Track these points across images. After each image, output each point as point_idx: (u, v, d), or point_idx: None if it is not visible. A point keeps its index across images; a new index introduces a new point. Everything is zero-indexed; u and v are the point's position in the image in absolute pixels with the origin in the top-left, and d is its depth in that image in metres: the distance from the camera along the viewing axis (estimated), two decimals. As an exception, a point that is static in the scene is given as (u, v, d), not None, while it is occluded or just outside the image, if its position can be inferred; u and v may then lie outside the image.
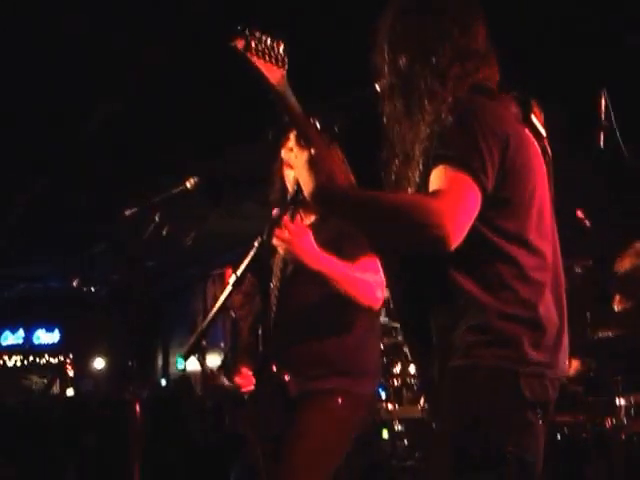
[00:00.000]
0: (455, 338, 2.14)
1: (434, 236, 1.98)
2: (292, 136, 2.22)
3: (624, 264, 4.98)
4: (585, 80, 4.67)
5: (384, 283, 3.27)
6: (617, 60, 5.45)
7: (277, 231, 3.07)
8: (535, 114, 2.33)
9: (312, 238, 3.17)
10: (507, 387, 2.09)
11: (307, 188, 2.14)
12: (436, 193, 2.04)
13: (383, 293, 3.28)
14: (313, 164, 2.13)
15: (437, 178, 2.07)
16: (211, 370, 5.23)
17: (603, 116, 3.92)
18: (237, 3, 5.27)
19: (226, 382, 4.83)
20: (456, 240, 2.01)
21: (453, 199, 2.02)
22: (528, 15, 5.31)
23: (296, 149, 2.20)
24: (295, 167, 2.21)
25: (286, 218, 3.10)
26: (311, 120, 2.28)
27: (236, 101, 6.29)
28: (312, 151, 2.15)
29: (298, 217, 3.20)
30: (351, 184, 2.55)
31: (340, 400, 3.30)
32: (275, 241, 3.11)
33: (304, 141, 2.18)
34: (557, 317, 2.19)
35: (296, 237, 3.12)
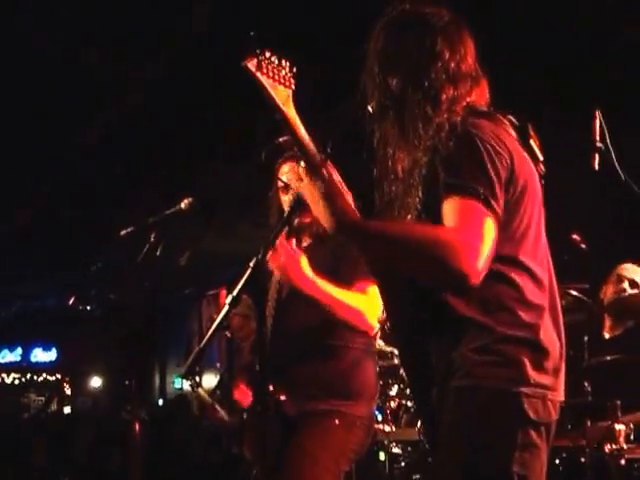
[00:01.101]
0: (456, 359, 2.13)
1: (456, 271, 1.98)
2: (302, 168, 2.22)
3: (607, 292, 4.99)
4: (579, 101, 4.68)
5: (380, 308, 3.26)
6: (612, 79, 5.49)
7: (271, 256, 3.07)
8: (532, 138, 2.34)
9: (306, 263, 3.17)
10: (511, 408, 2.08)
11: (326, 221, 2.14)
12: (455, 226, 2.02)
13: (378, 319, 3.28)
14: (328, 196, 2.13)
15: (452, 210, 2.05)
16: (211, 404, 5.21)
17: (598, 137, 3.92)
18: (235, 20, 5.31)
19: (225, 417, 4.82)
20: (479, 275, 2.00)
21: (474, 233, 2.01)
22: (519, 36, 5.34)
23: (308, 182, 2.19)
24: (310, 201, 2.20)
25: (281, 242, 3.10)
26: (315, 141, 2.29)
27: (232, 121, 6.31)
28: (323, 182, 2.14)
29: (293, 241, 3.20)
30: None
31: (337, 421, 3.29)
32: (270, 264, 3.11)
33: (312, 170, 2.18)
34: (557, 340, 2.19)
35: (290, 262, 3.13)
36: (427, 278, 2.13)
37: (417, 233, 2.07)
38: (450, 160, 2.10)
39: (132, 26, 5.61)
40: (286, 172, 3.43)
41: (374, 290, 3.27)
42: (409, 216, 2.22)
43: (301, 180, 2.22)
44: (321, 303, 3.19)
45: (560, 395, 2.18)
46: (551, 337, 2.17)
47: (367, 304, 3.26)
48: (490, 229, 2.04)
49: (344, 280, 3.28)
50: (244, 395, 3.49)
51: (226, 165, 7.76)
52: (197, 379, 2.84)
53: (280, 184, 3.46)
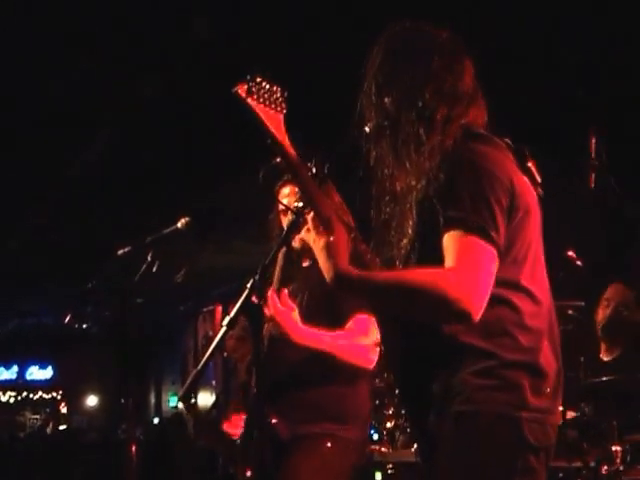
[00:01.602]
0: (455, 383, 2.12)
1: (458, 312, 1.98)
2: (310, 219, 2.22)
3: (599, 316, 4.99)
4: (575, 120, 4.70)
5: (377, 341, 3.26)
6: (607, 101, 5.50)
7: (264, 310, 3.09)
8: (529, 160, 2.34)
9: (298, 316, 3.17)
10: (511, 433, 2.08)
11: (327, 274, 2.14)
12: (454, 265, 2.02)
13: (376, 354, 3.28)
14: (331, 250, 2.14)
15: (453, 246, 2.05)
16: (206, 417, 5.21)
17: (593, 155, 3.94)
18: (229, 41, 5.33)
19: (218, 438, 4.79)
20: (479, 311, 2.00)
21: (472, 270, 2.01)
22: (516, 56, 5.36)
23: (314, 233, 2.20)
24: (315, 250, 2.21)
25: (271, 298, 3.11)
26: (306, 164, 2.29)
27: (227, 138, 6.32)
28: (330, 237, 2.15)
29: (284, 292, 3.21)
30: (365, 258, 2.55)
31: (329, 444, 3.28)
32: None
33: (323, 224, 2.18)
34: (555, 363, 2.19)
35: (281, 316, 3.14)
36: (428, 320, 2.14)
37: (417, 279, 2.06)
38: (449, 189, 2.09)
39: (131, 43, 5.63)
40: (287, 194, 3.43)
41: (372, 322, 3.27)
42: (404, 239, 2.22)
43: (309, 231, 2.23)
44: (317, 351, 3.20)
45: (558, 418, 2.19)
46: (550, 361, 2.16)
47: (364, 340, 3.27)
48: (490, 265, 2.04)
49: (342, 304, 3.28)
50: (234, 426, 3.48)
51: (222, 182, 7.76)
52: (193, 401, 2.83)
53: (281, 207, 3.46)
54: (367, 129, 2.33)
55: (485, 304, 2.01)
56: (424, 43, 2.32)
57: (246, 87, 2.18)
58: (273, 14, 5.20)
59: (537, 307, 2.16)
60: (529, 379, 2.09)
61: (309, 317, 3.26)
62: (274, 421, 3.28)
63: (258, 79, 2.20)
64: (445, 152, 2.16)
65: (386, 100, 2.29)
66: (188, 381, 2.44)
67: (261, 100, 2.19)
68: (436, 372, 2.18)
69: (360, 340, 3.25)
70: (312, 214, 2.23)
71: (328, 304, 3.30)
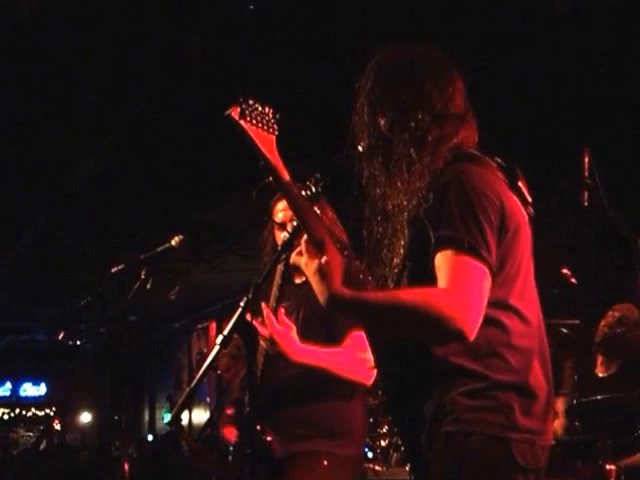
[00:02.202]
0: (445, 403, 2.13)
1: (453, 331, 1.99)
2: (303, 242, 2.22)
3: (600, 324, 4.99)
4: (568, 138, 4.72)
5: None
6: (600, 118, 5.53)
7: (260, 328, 3.09)
8: (519, 180, 2.35)
9: (295, 334, 3.17)
10: (500, 454, 2.08)
11: (321, 296, 2.14)
12: (446, 285, 2.03)
13: (374, 370, 3.27)
14: (323, 273, 2.13)
15: (444, 265, 2.06)
16: (193, 440, 5.18)
17: (587, 173, 3.94)
18: (222, 63, 5.34)
19: (206, 454, 4.77)
20: (473, 330, 2.01)
21: (466, 290, 2.01)
22: (508, 77, 5.38)
23: (306, 257, 2.20)
24: (307, 274, 2.20)
25: (268, 315, 3.11)
26: (299, 185, 2.30)
27: (220, 156, 6.32)
28: (323, 259, 2.14)
29: (281, 311, 3.21)
30: (355, 268, 2.56)
31: (325, 462, 3.26)
32: (259, 336, 3.12)
33: (316, 246, 2.17)
34: (545, 384, 2.19)
35: (278, 335, 3.14)
36: (423, 340, 2.15)
37: (411, 299, 2.06)
38: (440, 209, 2.11)
39: (127, 60, 5.64)
40: (281, 209, 3.44)
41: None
42: (395, 259, 2.23)
43: (301, 254, 2.23)
44: (314, 369, 3.20)
45: (549, 439, 2.18)
46: (540, 381, 2.16)
47: (362, 356, 3.26)
48: (483, 284, 2.05)
49: (339, 321, 3.28)
50: (231, 432, 3.47)
51: (218, 199, 7.77)
52: (182, 424, 2.83)
53: (276, 221, 3.46)
54: (360, 148, 2.35)
55: (479, 323, 2.01)
56: (416, 63, 2.34)
57: (239, 110, 2.20)
58: (266, 35, 5.22)
59: (527, 326, 2.17)
60: (519, 400, 2.10)
61: (306, 334, 3.26)
62: (269, 439, 3.27)
63: (251, 101, 2.22)
64: (435, 172, 2.17)
65: (379, 120, 2.31)
66: (179, 402, 2.45)
67: (254, 122, 2.22)
68: (427, 392, 2.18)
69: (358, 356, 3.25)
70: (304, 237, 2.23)
71: (325, 321, 3.30)
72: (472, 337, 2.00)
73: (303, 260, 2.20)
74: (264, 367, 3.32)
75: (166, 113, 6.20)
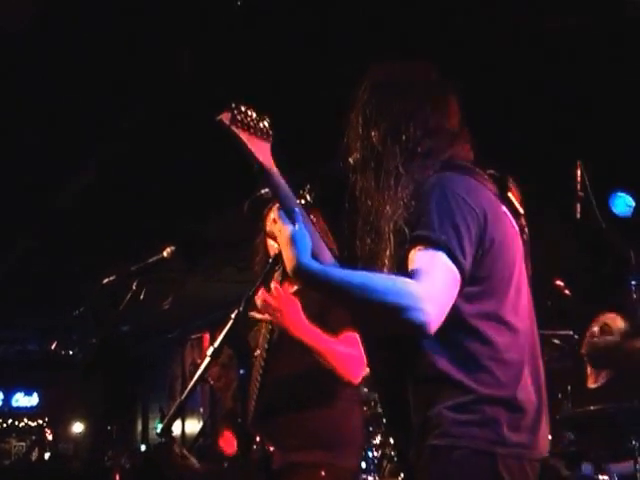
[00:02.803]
0: (432, 417, 2.12)
1: (414, 320, 1.98)
2: (276, 210, 2.22)
3: (584, 344, 4.99)
4: (561, 151, 4.73)
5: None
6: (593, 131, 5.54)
7: (266, 296, 3.09)
8: (512, 192, 2.35)
9: (300, 308, 3.17)
10: (485, 468, 2.07)
11: (288, 264, 2.14)
12: (415, 276, 2.03)
13: (362, 369, 3.27)
14: (295, 240, 2.13)
15: (415, 259, 2.06)
16: (181, 451, 5.15)
17: (579, 187, 3.96)
18: (215, 73, 5.34)
19: (196, 464, 4.76)
20: (436, 324, 2.00)
21: (432, 282, 2.01)
22: (503, 89, 5.40)
23: (279, 224, 2.20)
24: (279, 242, 2.20)
25: (276, 288, 3.11)
26: (294, 193, 2.30)
27: (216, 166, 6.32)
28: (296, 227, 2.15)
29: (287, 285, 3.21)
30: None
31: (324, 473, 3.27)
32: (263, 307, 3.11)
33: (288, 216, 2.18)
34: (535, 396, 2.18)
35: (285, 306, 3.13)
36: (385, 326, 2.14)
37: (378, 281, 2.07)
38: (421, 213, 2.12)
39: (116, 74, 5.64)
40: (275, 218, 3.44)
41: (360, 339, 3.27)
42: (383, 269, 2.23)
43: (275, 222, 2.23)
44: (311, 349, 3.19)
45: (539, 452, 2.17)
46: (529, 394, 2.16)
47: (355, 353, 3.26)
48: (451, 282, 2.05)
49: (331, 327, 3.27)
50: (229, 443, 3.46)
51: (212, 210, 7.76)
52: (173, 435, 2.82)
53: (268, 230, 3.46)
54: (352, 160, 2.36)
55: (442, 321, 2.01)
56: (411, 79, 2.36)
57: (230, 115, 2.18)
58: (257, 47, 5.23)
59: (517, 339, 2.16)
60: (506, 414, 2.09)
61: (297, 343, 3.26)
62: (271, 449, 3.26)
63: (243, 107, 2.21)
64: (422, 182, 2.18)
65: (372, 133, 2.32)
66: (170, 413, 2.43)
67: (246, 128, 2.21)
68: (415, 405, 2.18)
69: (351, 351, 3.25)
70: (277, 205, 2.23)
71: (317, 326, 3.30)
72: (433, 331, 1.99)
73: (277, 227, 2.21)
74: (263, 376, 3.32)
75: (159, 125, 6.20)
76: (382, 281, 2.06)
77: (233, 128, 2.19)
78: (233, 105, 2.20)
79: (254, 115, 2.23)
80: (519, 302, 2.20)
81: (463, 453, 2.07)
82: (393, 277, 2.08)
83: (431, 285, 2.00)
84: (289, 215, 2.19)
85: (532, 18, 5.00)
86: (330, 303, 3.21)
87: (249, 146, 2.21)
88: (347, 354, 3.23)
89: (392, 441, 4.03)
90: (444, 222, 2.08)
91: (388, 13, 4.81)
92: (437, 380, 2.12)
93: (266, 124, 2.25)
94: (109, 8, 5.03)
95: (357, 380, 3.29)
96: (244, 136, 2.21)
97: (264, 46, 5.21)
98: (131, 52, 5.36)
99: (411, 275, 2.04)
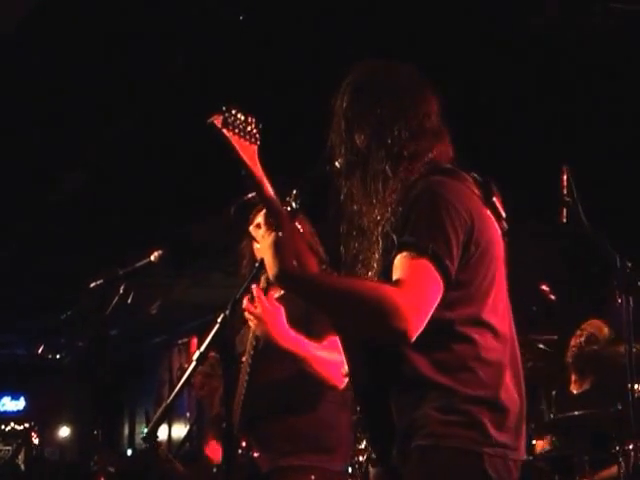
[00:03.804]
0: (418, 418, 2.13)
1: (394, 328, 1.99)
2: (261, 215, 2.24)
3: (571, 343, 5.02)
4: (547, 156, 4.75)
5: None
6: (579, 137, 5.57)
7: (249, 306, 3.09)
8: (494, 195, 2.36)
9: (284, 316, 3.18)
10: (472, 467, 2.08)
11: (270, 270, 2.14)
12: (398, 283, 2.04)
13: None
14: (278, 246, 2.13)
15: (400, 266, 2.07)
16: (166, 456, 5.14)
17: (565, 192, 3.97)
18: (206, 77, 5.35)
19: (180, 468, 4.75)
20: (415, 332, 2.01)
21: (415, 290, 2.02)
22: (487, 93, 5.42)
23: (263, 229, 2.20)
24: (261, 247, 2.21)
25: (259, 294, 3.11)
26: (280, 198, 2.31)
27: (204, 171, 6.32)
28: (279, 233, 2.15)
29: (271, 293, 3.21)
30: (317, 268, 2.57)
31: (313, 477, 3.26)
32: (247, 315, 3.12)
33: (273, 221, 2.19)
34: (518, 398, 2.20)
35: (268, 314, 3.14)
36: (365, 332, 2.15)
37: (360, 288, 2.08)
38: (408, 217, 2.13)
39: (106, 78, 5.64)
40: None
41: None
42: (370, 273, 2.24)
43: (259, 227, 2.24)
44: (295, 356, 3.20)
45: (521, 454, 2.19)
46: (512, 395, 2.18)
47: (339, 358, 3.26)
48: (434, 289, 2.06)
49: (314, 333, 3.28)
50: (215, 451, 3.46)
51: (201, 214, 7.76)
52: (158, 440, 2.82)
53: (253, 235, 3.46)
54: (337, 165, 2.36)
55: (422, 328, 2.02)
56: (391, 81, 2.36)
57: (222, 118, 2.19)
58: (250, 49, 5.24)
59: (498, 341, 2.18)
60: (490, 415, 2.11)
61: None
62: (256, 455, 3.26)
63: (233, 110, 2.21)
64: (409, 185, 2.19)
65: (355, 137, 2.33)
66: (155, 418, 2.43)
67: (236, 131, 2.20)
68: (399, 407, 2.19)
69: (335, 356, 3.26)
70: (264, 210, 2.24)
71: (301, 330, 3.30)
72: (413, 338, 2.01)
73: (261, 232, 2.21)
74: (250, 381, 3.32)
75: (147, 128, 6.20)
76: (364, 288, 2.08)
77: (225, 131, 2.19)
78: (224, 108, 2.20)
79: (243, 118, 2.23)
80: (500, 305, 2.22)
81: (450, 452, 2.08)
82: (376, 284, 2.10)
83: (413, 293, 2.01)
84: (274, 220, 2.19)
85: (518, 23, 5.03)
86: (314, 308, 3.23)
87: (239, 150, 2.21)
88: (331, 360, 3.24)
89: (370, 446, 4.03)
90: (432, 227, 2.09)
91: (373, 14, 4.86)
92: (421, 383, 2.13)
93: (254, 127, 2.25)
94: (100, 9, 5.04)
95: (342, 385, 3.29)
96: (234, 140, 2.20)
97: (258, 47, 5.22)
98: (127, 54, 5.36)
99: (395, 282, 2.05)
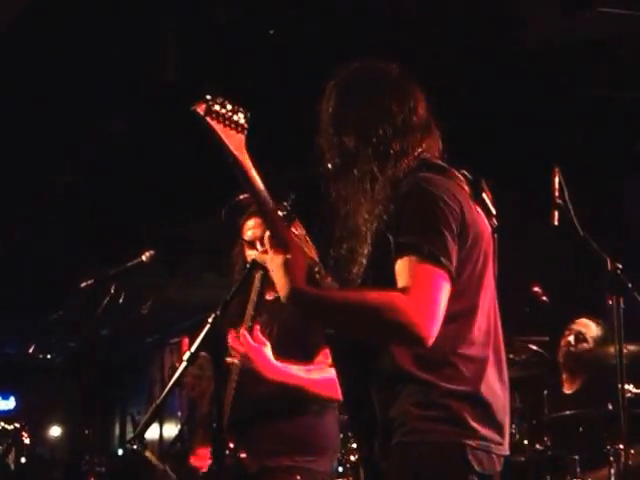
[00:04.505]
0: (398, 414, 2.15)
1: (411, 338, 2.01)
2: (267, 238, 2.23)
3: (561, 342, 5.02)
4: (538, 157, 4.76)
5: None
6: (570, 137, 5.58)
7: (235, 344, 3.10)
8: (484, 192, 2.37)
9: (269, 350, 3.19)
10: (456, 459, 2.10)
11: (282, 291, 2.16)
12: (406, 291, 2.04)
13: None
14: (287, 267, 2.15)
15: (406, 272, 2.07)
16: (152, 458, 5.15)
17: (557, 193, 3.98)
18: (199, 76, 5.34)
19: (169, 473, 4.74)
20: (432, 336, 2.03)
21: (423, 295, 2.03)
22: (478, 93, 5.43)
23: (271, 252, 2.21)
24: (270, 269, 2.22)
25: (242, 335, 3.12)
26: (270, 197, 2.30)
27: (197, 170, 6.32)
28: (287, 254, 2.16)
29: (256, 327, 3.21)
30: (324, 282, 2.57)
31: (298, 477, 3.27)
32: (232, 352, 3.14)
33: (278, 242, 2.19)
34: (502, 394, 2.22)
35: (253, 352, 3.15)
36: (383, 343, 2.17)
37: (373, 302, 2.08)
38: (402, 216, 2.13)
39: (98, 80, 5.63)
40: (251, 227, 3.44)
41: None
42: (354, 269, 2.25)
43: (266, 252, 2.24)
44: (288, 387, 3.22)
45: (504, 449, 2.20)
46: (494, 391, 2.19)
47: (330, 374, 3.26)
48: (443, 290, 2.07)
49: (313, 336, 3.29)
50: (202, 459, 3.46)
51: (194, 215, 7.75)
52: (144, 442, 2.82)
53: (246, 239, 3.46)
54: (329, 166, 2.37)
55: (438, 331, 2.03)
56: (375, 80, 2.38)
57: (205, 106, 2.17)
58: (241, 51, 5.24)
59: (481, 335, 2.19)
60: (471, 409, 2.12)
61: (279, 349, 3.29)
62: (243, 456, 3.26)
63: (219, 99, 2.20)
64: (398, 182, 2.20)
65: (343, 138, 2.34)
66: (144, 419, 2.42)
67: (221, 119, 2.18)
68: (381, 403, 2.21)
69: (331, 372, 3.25)
70: (268, 234, 2.23)
71: (299, 336, 3.31)
72: (430, 343, 2.02)
73: (268, 255, 2.22)
74: (237, 384, 3.32)
75: (141, 128, 6.19)
76: (377, 300, 2.07)
77: (207, 119, 2.17)
78: (208, 96, 2.18)
79: (229, 107, 2.21)
80: (485, 300, 2.23)
81: (432, 447, 2.10)
82: (386, 295, 2.08)
83: (423, 299, 2.03)
84: (279, 242, 2.19)
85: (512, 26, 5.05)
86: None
87: (223, 138, 2.18)
88: (324, 378, 3.25)
89: (355, 444, 4.03)
90: (428, 227, 2.10)
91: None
92: (402, 378, 2.15)
93: (241, 116, 2.23)
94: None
95: (340, 398, 3.30)
96: (218, 128, 2.18)
97: (249, 51, 5.22)
98: (120, 54, 5.35)
99: (403, 290, 2.05)
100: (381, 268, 2.17)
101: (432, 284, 2.05)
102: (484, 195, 2.36)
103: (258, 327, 3.24)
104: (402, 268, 2.08)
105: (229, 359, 3.22)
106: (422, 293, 2.03)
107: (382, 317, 2.03)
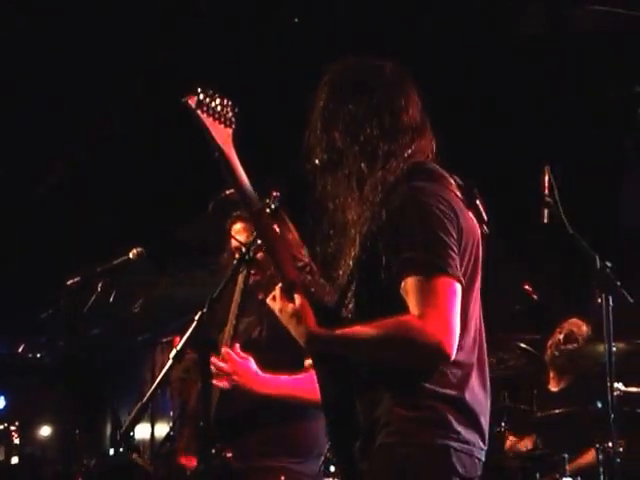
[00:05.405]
0: (382, 415, 2.15)
1: (436, 356, 2.03)
2: (277, 288, 2.26)
3: (549, 342, 5.05)
4: (528, 156, 4.76)
5: None
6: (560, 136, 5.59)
7: (217, 364, 3.10)
8: (477, 198, 2.37)
9: (254, 364, 3.18)
10: (439, 462, 2.10)
11: (301, 339, 2.19)
12: (422, 310, 2.04)
13: None
14: (299, 316, 2.18)
15: (415, 290, 2.06)
16: (139, 459, 5.14)
17: (547, 191, 3.98)
18: (190, 71, 5.33)
19: (147, 467, 4.71)
20: (453, 351, 2.04)
21: (440, 311, 2.04)
22: (470, 93, 5.43)
23: (280, 303, 2.24)
24: (282, 319, 2.25)
25: (226, 350, 3.12)
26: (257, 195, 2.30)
27: (188, 167, 6.30)
28: (297, 301, 2.19)
29: (236, 346, 3.21)
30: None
31: (283, 478, 3.26)
32: (216, 373, 3.13)
33: (286, 290, 2.21)
34: (483, 399, 2.22)
35: (240, 368, 3.15)
36: (409, 366, 2.14)
37: (390, 331, 2.08)
38: (400, 232, 2.12)
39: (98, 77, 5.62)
40: (238, 231, 3.43)
41: None
42: (341, 271, 2.27)
43: (274, 299, 2.26)
44: (280, 398, 3.21)
45: (484, 453, 2.20)
46: (477, 397, 2.19)
47: None
48: (456, 299, 2.07)
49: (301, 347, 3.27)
50: (189, 460, 3.46)
51: (185, 213, 7.73)
52: (131, 443, 2.82)
53: (234, 243, 3.45)
54: (316, 162, 2.35)
55: (457, 340, 2.05)
56: (367, 78, 2.36)
57: (196, 99, 2.17)
58: (234, 47, 5.22)
59: (467, 341, 2.18)
60: (455, 413, 2.12)
61: (271, 350, 3.28)
62: (228, 455, 3.25)
63: (210, 92, 2.20)
64: (388, 188, 2.18)
65: (332, 135, 2.33)
66: (129, 419, 2.41)
67: (210, 112, 2.19)
68: (364, 407, 2.20)
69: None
70: (280, 284, 2.27)
71: (288, 337, 3.28)
72: (452, 356, 2.04)
73: (277, 306, 2.25)
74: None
75: (131, 126, 6.17)
76: (395, 329, 2.08)
77: (198, 112, 2.17)
78: (199, 89, 2.18)
79: (219, 100, 2.21)
80: (471, 305, 2.23)
81: (416, 449, 2.10)
82: (403, 321, 2.07)
83: (440, 315, 2.03)
84: (287, 290, 2.23)
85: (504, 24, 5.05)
86: None
87: (212, 132, 2.19)
88: (315, 386, 3.24)
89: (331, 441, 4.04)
90: (429, 238, 2.09)
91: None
92: (386, 381, 2.15)
93: (229, 110, 2.23)
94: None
95: None
96: (208, 122, 2.19)
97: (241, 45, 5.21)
98: (112, 51, 5.34)
99: (418, 310, 2.04)
100: (368, 270, 2.17)
101: (445, 297, 2.05)
102: (477, 201, 2.36)
103: (238, 346, 3.23)
104: (411, 286, 2.07)
105: (217, 383, 3.19)
106: (437, 310, 2.03)
107: (402, 344, 2.05)
